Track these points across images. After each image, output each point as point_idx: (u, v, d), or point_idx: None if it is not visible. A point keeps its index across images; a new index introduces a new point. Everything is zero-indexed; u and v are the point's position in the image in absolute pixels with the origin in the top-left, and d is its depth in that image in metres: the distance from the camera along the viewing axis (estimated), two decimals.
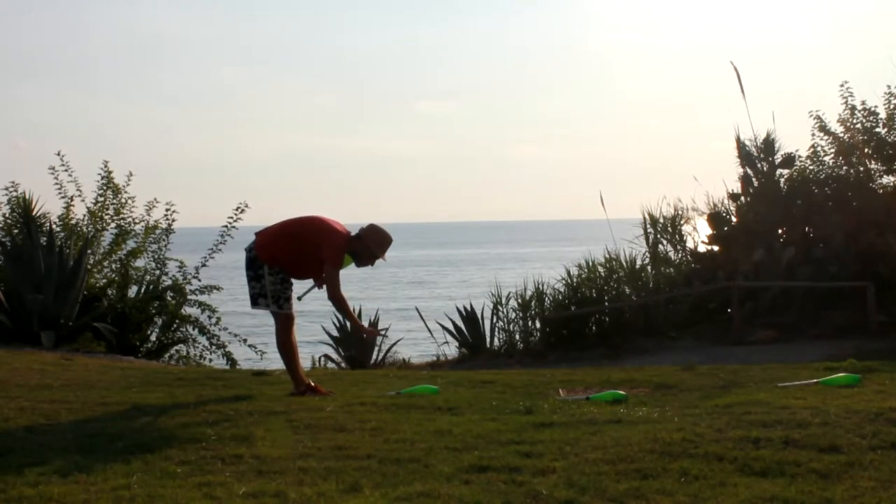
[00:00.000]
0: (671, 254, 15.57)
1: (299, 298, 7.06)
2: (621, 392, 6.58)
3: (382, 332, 7.54)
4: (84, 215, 13.39)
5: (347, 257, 6.99)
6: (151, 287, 13.14)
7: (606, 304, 14.12)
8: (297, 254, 6.86)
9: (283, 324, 6.93)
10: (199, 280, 13.44)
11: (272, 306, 6.88)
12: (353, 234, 7.01)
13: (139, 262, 13.63)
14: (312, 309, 12.98)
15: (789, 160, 14.85)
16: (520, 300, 14.11)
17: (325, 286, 6.93)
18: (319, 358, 13.83)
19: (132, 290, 13.19)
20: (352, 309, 7.09)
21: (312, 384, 6.95)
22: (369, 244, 6.97)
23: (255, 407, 6.14)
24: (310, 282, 7.14)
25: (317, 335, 15.11)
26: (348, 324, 13.08)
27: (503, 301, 14.15)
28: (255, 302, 6.94)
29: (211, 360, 13.00)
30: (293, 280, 7.00)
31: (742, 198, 15.05)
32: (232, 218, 13.72)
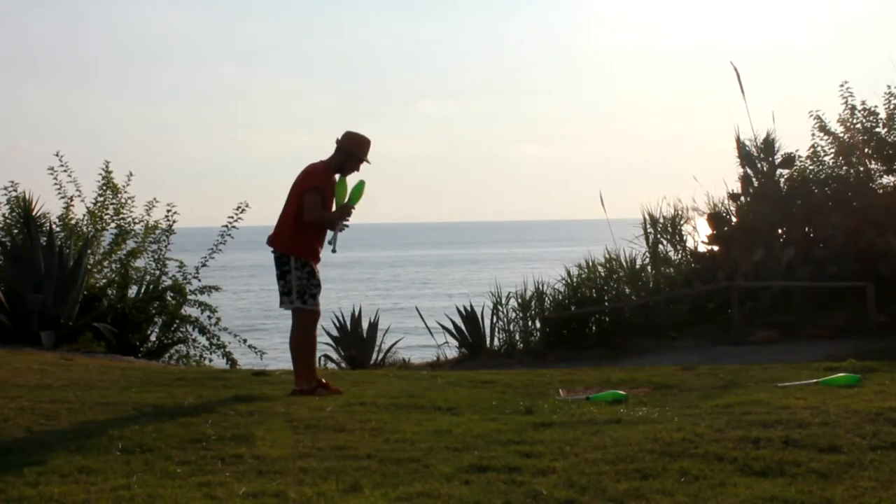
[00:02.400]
0: (671, 254, 15.56)
1: (333, 249, 7.03)
2: (621, 392, 6.58)
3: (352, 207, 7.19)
4: (84, 215, 13.41)
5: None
6: (151, 287, 13.16)
7: (606, 304, 14.12)
8: (297, 219, 6.87)
9: (307, 319, 6.94)
10: (199, 280, 13.47)
11: (296, 302, 6.88)
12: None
13: (139, 262, 13.66)
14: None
15: (789, 160, 14.85)
16: (520, 300, 14.11)
17: (307, 214, 6.84)
18: (319, 358, 13.82)
19: (132, 290, 13.21)
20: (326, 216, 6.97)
21: (324, 381, 6.97)
22: (350, 150, 7.00)
23: (255, 407, 6.14)
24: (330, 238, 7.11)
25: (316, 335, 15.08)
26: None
27: (503, 301, 14.16)
28: (283, 301, 6.96)
29: (211, 360, 13.01)
30: (322, 242, 6.97)
31: (742, 198, 15.05)
32: (232, 218, 13.77)
